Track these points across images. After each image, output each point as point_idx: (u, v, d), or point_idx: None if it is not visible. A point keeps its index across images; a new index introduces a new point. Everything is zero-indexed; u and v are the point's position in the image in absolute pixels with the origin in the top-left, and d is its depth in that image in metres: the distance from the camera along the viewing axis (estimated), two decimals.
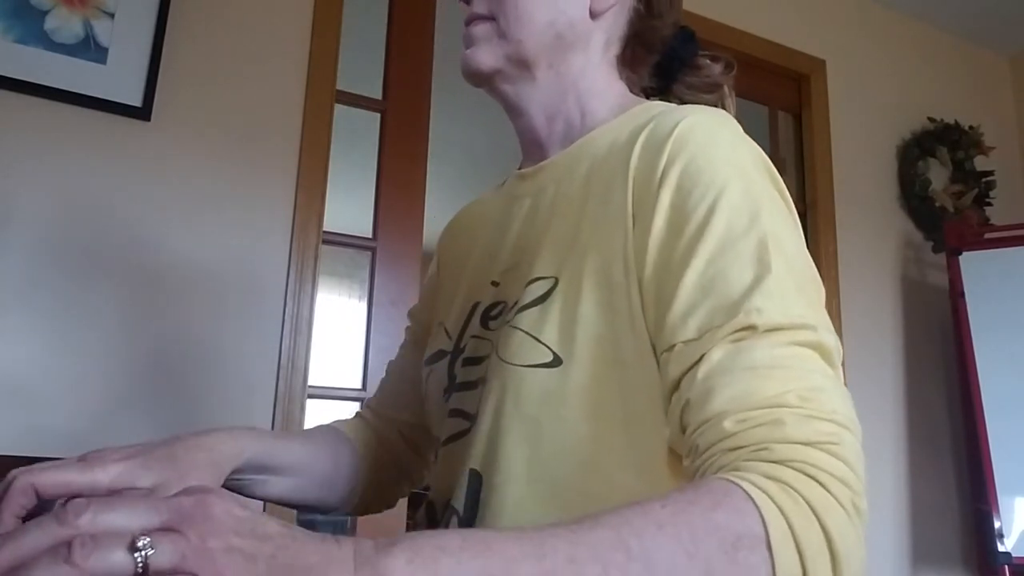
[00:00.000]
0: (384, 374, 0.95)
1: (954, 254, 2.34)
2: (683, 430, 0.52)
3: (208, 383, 1.55)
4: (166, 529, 0.35)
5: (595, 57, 0.72)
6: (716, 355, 0.50)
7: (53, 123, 1.49)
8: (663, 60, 0.78)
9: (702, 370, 0.50)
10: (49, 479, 0.50)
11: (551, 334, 0.60)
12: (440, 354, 0.77)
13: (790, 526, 0.41)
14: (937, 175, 2.66)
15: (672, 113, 0.62)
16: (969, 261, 2.32)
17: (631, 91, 0.75)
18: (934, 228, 2.60)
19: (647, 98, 0.76)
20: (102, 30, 1.55)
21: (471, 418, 0.67)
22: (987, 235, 2.43)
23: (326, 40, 1.79)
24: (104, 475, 0.52)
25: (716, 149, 0.57)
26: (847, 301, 2.43)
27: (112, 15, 1.56)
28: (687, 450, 0.51)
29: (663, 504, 0.41)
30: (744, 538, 0.40)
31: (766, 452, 0.44)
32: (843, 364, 1.92)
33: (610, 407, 0.57)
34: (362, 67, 1.98)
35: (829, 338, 0.51)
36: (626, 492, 0.55)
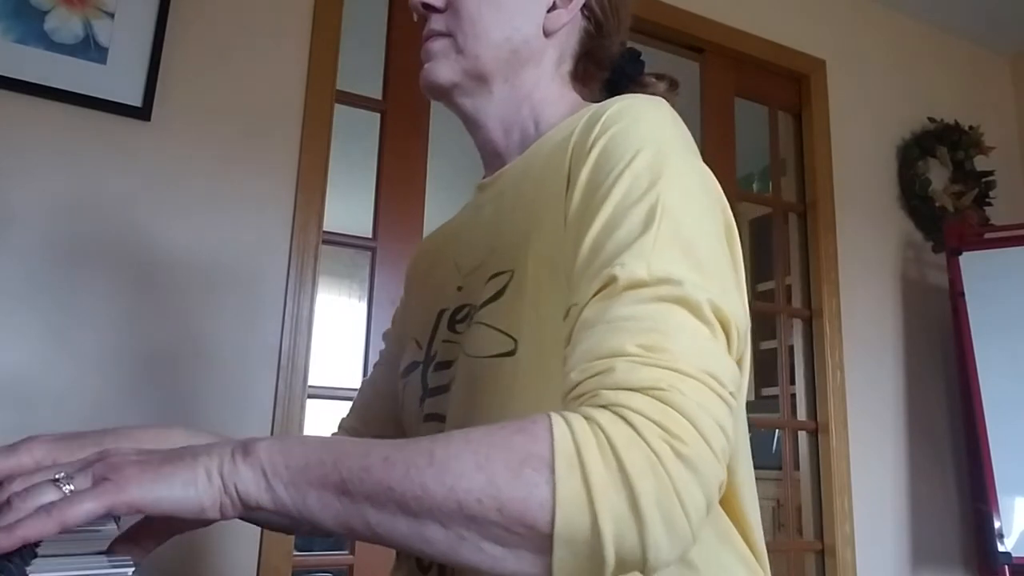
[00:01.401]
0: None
1: (954, 254, 2.34)
2: None
3: (208, 383, 1.55)
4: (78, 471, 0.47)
5: (548, 71, 0.76)
6: (587, 312, 0.52)
7: (53, 123, 1.49)
8: (612, 77, 0.82)
9: (576, 327, 0.53)
10: None
11: (508, 322, 0.63)
12: (413, 365, 0.78)
13: (580, 456, 0.43)
14: (937, 175, 2.67)
15: (608, 100, 0.64)
16: (969, 261, 2.32)
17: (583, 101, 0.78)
18: (934, 228, 2.60)
19: None
20: (102, 30, 1.55)
21: (445, 419, 0.69)
22: (987, 235, 2.43)
23: (326, 40, 1.79)
24: (29, 457, 0.59)
25: (636, 127, 0.60)
26: (847, 301, 2.43)
27: (112, 15, 1.56)
28: None
29: (486, 427, 0.47)
30: (531, 458, 0.44)
31: (595, 398, 0.47)
32: (843, 364, 1.91)
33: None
34: (362, 67, 1.98)
35: (698, 293, 0.50)
36: None
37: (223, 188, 1.63)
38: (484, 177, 0.80)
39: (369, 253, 1.85)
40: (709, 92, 2.37)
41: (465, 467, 0.44)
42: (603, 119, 0.61)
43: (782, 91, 2.55)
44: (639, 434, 0.44)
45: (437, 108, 1.97)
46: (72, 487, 0.46)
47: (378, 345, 1.78)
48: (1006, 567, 2.02)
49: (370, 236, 1.86)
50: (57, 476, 0.46)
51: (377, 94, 1.93)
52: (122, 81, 1.55)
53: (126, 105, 1.54)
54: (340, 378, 2.02)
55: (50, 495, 0.46)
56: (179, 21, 1.63)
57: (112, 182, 1.53)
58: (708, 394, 0.47)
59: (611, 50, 0.79)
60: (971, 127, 2.74)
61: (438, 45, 0.73)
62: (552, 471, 0.43)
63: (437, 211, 2.32)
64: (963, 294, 2.27)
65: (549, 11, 0.73)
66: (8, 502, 0.45)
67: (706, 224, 0.57)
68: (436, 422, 0.70)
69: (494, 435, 0.46)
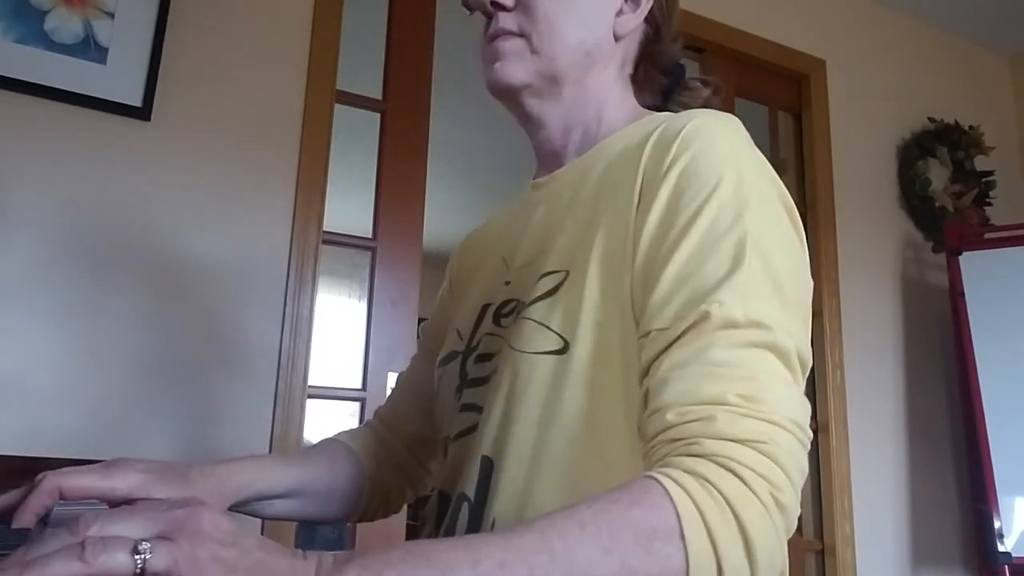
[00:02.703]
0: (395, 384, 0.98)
1: (954, 254, 2.34)
2: None
3: (208, 383, 1.55)
4: (162, 537, 0.42)
5: (613, 75, 0.77)
6: (677, 352, 0.53)
7: (53, 123, 1.49)
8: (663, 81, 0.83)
9: (664, 363, 0.53)
10: (73, 482, 0.56)
11: (559, 321, 0.63)
12: (452, 355, 0.79)
13: (703, 518, 0.44)
14: (937, 175, 2.67)
15: (682, 115, 0.65)
16: (969, 261, 2.32)
17: (641, 106, 0.80)
18: (934, 228, 2.60)
19: None
20: (102, 30, 1.55)
21: (482, 411, 0.69)
22: (987, 235, 2.43)
23: (326, 40, 1.79)
24: (123, 483, 0.58)
25: (716, 150, 0.60)
26: (847, 301, 2.43)
27: (112, 15, 1.56)
28: (641, 434, 0.55)
29: (589, 505, 0.45)
30: (659, 531, 0.44)
31: (696, 447, 0.48)
32: (843, 364, 1.91)
33: (611, 389, 0.60)
34: (362, 67, 1.98)
35: (788, 341, 0.53)
36: (618, 468, 0.59)
37: (223, 188, 1.63)
38: (537, 176, 0.80)
39: (369, 253, 1.85)
40: None
41: (593, 555, 0.43)
42: (680, 137, 0.61)
43: (782, 91, 2.56)
44: (749, 488, 0.46)
45: (437, 108, 1.98)
46: (148, 559, 0.41)
47: (378, 345, 1.79)
48: (1006, 567, 2.02)
49: (370, 236, 1.86)
50: (140, 546, 0.41)
51: (377, 94, 1.93)
52: (122, 81, 1.55)
53: (126, 105, 1.54)
54: (340, 378, 2.03)
55: (121, 558, 0.40)
56: (179, 21, 1.63)
57: (112, 182, 1.53)
58: (797, 444, 0.49)
59: (669, 54, 0.81)
60: (971, 127, 2.74)
61: (510, 45, 0.72)
62: (682, 538, 0.44)
63: (437, 211, 2.32)
64: (963, 294, 2.27)
65: (617, 15, 0.74)
66: (81, 547, 0.40)
67: (790, 254, 0.59)
68: (473, 412, 0.71)
69: (609, 512, 0.45)
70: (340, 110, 1.81)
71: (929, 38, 2.89)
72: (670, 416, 0.50)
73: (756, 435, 0.48)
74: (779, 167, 2.58)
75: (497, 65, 0.72)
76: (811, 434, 0.52)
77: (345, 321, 4.23)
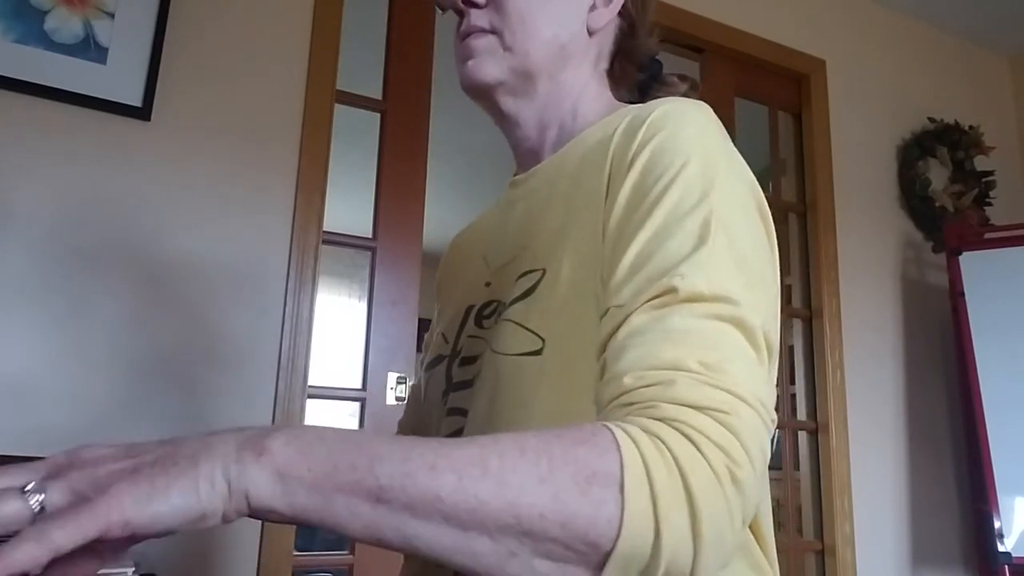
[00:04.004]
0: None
1: (954, 254, 2.34)
2: None
3: (208, 383, 1.55)
4: (49, 478, 0.40)
5: (588, 70, 0.76)
6: (636, 319, 0.51)
7: (53, 123, 1.49)
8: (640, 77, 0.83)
9: (622, 332, 0.51)
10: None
11: (537, 321, 0.62)
12: (438, 359, 0.78)
13: (648, 474, 0.42)
14: (937, 175, 2.67)
15: (651, 104, 0.64)
16: (969, 261, 2.32)
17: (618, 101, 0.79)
18: (934, 228, 2.60)
19: None
20: (102, 30, 1.55)
21: (467, 414, 0.69)
22: (987, 235, 2.43)
23: (326, 40, 1.79)
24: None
25: (683, 132, 0.59)
26: (847, 301, 2.43)
27: (112, 15, 1.56)
28: (596, 402, 0.53)
29: (536, 434, 0.44)
30: (599, 474, 0.42)
31: (652, 410, 0.46)
32: (843, 364, 1.91)
33: (590, 385, 0.58)
34: (362, 67, 1.98)
35: (754, 317, 0.51)
36: None
37: (223, 188, 1.63)
38: (516, 174, 0.80)
39: (369, 253, 1.86)
40: (709, 92, 2.37)
41: (526, 480, 0.41)
42: (647, 123, 0.60)
43: (782, 91, 2.55)
44: (702, 454, 0.43)
45: (437, 108, 1.99)
46: (43, 499, 0.39)
47: (378, 345, 1.79)
48: (1006, 567, 2.02)
49: (370, 236, 1.86)
50: (24, 486, 0.39)
51: (377, 94, 1.93)
52: (122, 81, 1.55)
53: (126, 105, 1.54)
54: (340, 378, 2.03)
55: (13, 504, 0.38)
56: (179, 21, 1.63)
57: (112, 182, 1.53)
58: (758, 422, 0.47)
59: (644, 48, 0.80)
60: (971, 127, 2.74)
61: (482, 42, 0.71)
62: (621, 488, 0.42)
63: (437, 211, 2.32)
64: (963, 294, 2.27)
65: (590, 10, 0.74)
66: None
67: (755, 237, 0.58)
68: (458, 416, 0.70)
69: (551, 445, 0.43)
70: (340, 110, 1.81)
71: (928, 38, 2.89)
72: (627, 380, 0.48)
73: (716, 404, 0.45)
74: (779, 167, 2.58)
75: (470, 63, 0.72)
76: (775, 419, 0.49)
77: (345, 321, 4.23)
